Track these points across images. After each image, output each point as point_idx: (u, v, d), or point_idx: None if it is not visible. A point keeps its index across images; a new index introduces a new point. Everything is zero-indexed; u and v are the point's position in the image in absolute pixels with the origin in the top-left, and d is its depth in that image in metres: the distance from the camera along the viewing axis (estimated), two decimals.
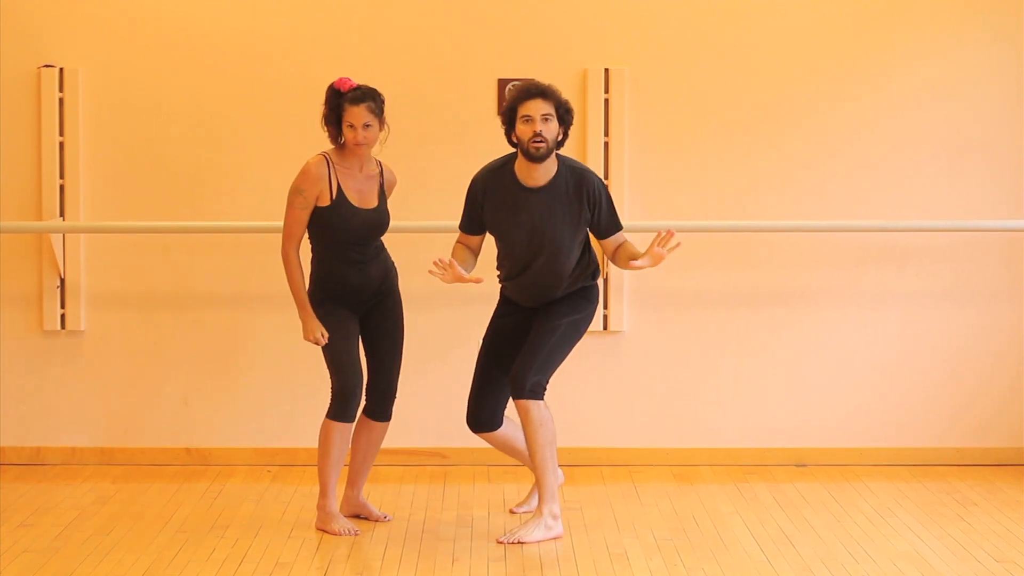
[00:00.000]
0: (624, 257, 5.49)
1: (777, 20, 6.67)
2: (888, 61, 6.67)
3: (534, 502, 5.81)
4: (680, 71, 6.67)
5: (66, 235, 6.62)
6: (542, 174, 5.39)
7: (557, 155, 5.44)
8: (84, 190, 6.64)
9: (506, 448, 5.78)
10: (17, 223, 6.56)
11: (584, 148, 6.61)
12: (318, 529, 5.58)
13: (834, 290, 6.73)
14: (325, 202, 5.52)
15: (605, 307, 6.69)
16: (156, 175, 6.67)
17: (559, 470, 5.72)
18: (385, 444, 6.33)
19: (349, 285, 5.59)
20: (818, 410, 6.77)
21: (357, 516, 5.75)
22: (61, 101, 6.61)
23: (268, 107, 6.64)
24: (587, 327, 5.61)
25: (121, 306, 6.71)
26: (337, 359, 5.58)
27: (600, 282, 6.61)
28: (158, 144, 6.66)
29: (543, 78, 6.40)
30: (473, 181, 5.53)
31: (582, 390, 6.73)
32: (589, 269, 5.58)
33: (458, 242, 5.59)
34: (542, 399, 5.45)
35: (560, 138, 5.39)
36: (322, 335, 5.52)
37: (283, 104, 6.63)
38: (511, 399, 5.53)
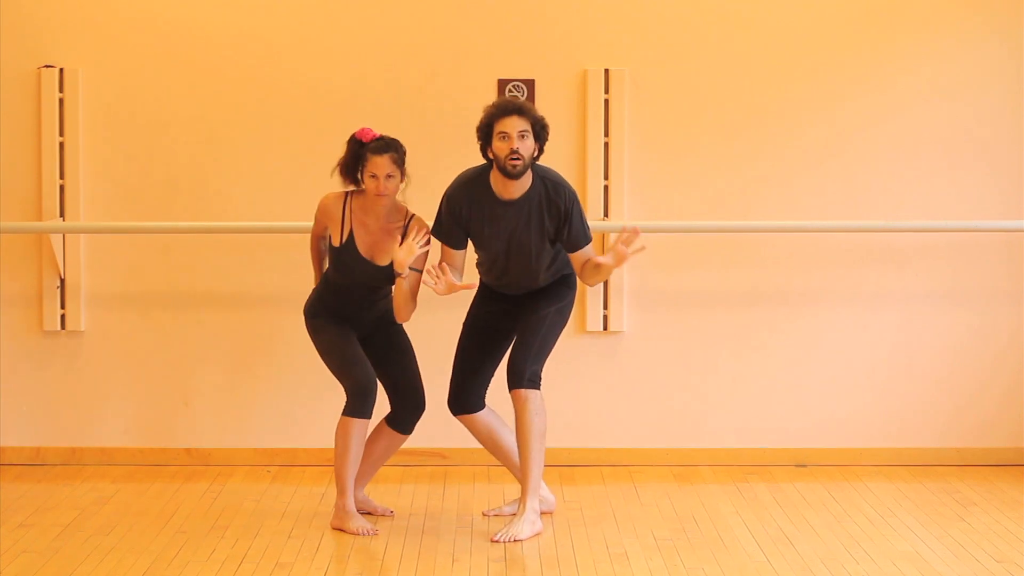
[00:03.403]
0: (589, 270, 5.49)
1: (777, 20, 6.67)
2: (888, 61, 6.67)
3: (506, 508, 5.83)
4: (680, 71, 6.67)
5: (66, 235, 6.62)
6: (518, 187, 5.41)
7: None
8: (84, 190, 6.64)
9: (486, 438, 5.75)
10: (17, 223, 6.56)
11: (584, 148, 6.61)
12: (334, 528, 5.58)
13: (834, 290, 6.73)
14: (336, 241, 5.51)
15: (605, 307, 6.68)
16: (156, 175, 6.66)
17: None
18: None
19: (349, 312, 5.61)
20: (818, 410, 6.77)
21: (360, 512, 5.73)
22: (61, 101, 6.61)
23: (268, 107, 6.64)
24: (570, 312, 5.68)
25: (121, 306, 6.71)
26: (342, 360, 5.57)
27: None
28: (158, 144, 6.66)
29: (543, 78, 6.44)
30: (450, 197, 5.49)
31: (582, 390, 6.73)
32: (567, 259, 5.61)
33: (442, 262, 5.48)
34: (539, 388, 5.54)
35: (536, 154, 5.39)
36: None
37: (283, 104, 6.63)
38: (508, 390, 5.55)
